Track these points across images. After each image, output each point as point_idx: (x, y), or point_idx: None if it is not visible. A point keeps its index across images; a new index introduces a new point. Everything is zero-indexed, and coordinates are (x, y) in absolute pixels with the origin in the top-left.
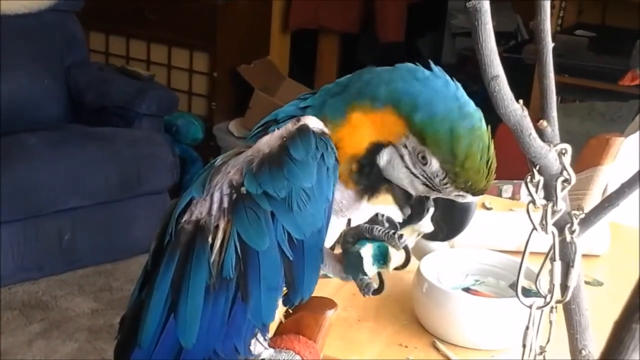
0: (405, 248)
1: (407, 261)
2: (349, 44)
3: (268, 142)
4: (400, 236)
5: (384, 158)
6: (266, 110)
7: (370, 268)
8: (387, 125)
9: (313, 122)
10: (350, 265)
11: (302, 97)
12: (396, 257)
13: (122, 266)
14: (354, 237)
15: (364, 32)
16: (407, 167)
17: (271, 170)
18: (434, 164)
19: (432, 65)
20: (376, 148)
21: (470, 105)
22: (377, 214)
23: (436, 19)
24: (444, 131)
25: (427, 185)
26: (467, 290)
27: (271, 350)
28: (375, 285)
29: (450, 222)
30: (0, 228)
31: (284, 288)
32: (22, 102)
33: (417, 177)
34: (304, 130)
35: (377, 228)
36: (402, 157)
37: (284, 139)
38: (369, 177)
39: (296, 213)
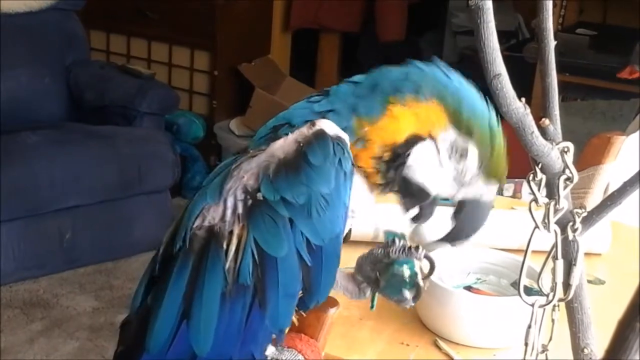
0: (427, 257)
1: (432, 269)
2: (349, 43)
3: (282, 146)
4: (417, 247)
5: (417, 153)
6: (267, 109)
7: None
8: (431, 118)
9: (329, 127)
10: (390, 287)
11: (313, 99)
12: (422, 270)
13: (123, 264)
14: (371, 264)
15: (364, 31)
16: (440, 162)
17: (289, 176)
18: (472, 157)
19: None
20: (414, 140)
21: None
22: (388, 241)
23: (437, 18)
24: (485, 125)
25: (456, 180)
26: (468, 288)
27: (273, 349)
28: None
29: (473, 219)
30: (0, 226)
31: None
32: (23, 101)
33: (448, 172)
34: (321, 135)
35: (392, 249)
36: (438, 151)
37: (301, 144)
38: (396, 170)
39: (315, 219)
